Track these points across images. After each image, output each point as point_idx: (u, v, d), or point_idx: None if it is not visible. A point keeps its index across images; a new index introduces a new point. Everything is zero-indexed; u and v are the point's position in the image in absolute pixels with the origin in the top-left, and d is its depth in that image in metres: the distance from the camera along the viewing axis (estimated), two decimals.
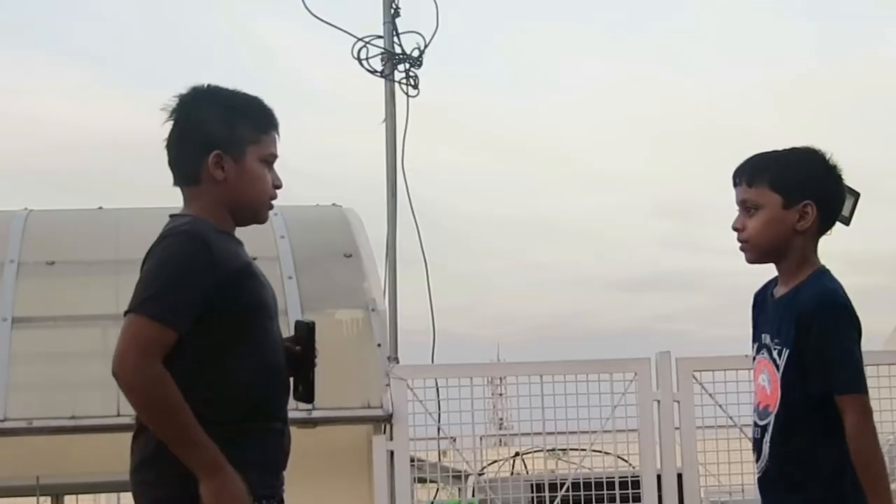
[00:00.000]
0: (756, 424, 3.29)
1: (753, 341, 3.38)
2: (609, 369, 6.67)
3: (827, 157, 3.31)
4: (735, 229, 3.30)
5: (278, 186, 3.11)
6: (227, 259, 2.98)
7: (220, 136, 3.02)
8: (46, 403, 6.46)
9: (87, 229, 7.65)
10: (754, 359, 3.37)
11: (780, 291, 3.32)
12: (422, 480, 7.21)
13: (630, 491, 6.64)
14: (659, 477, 6.64)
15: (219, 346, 2.96)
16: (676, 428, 6.63)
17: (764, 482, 3.27)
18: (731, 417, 6.61)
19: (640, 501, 6.63)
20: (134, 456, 3.06)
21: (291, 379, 3.19)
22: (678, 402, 6.53)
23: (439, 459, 7.27)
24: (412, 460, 6.59)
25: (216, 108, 3.05)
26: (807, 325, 3.16)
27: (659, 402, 6.62)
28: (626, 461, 6.83)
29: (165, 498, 2.97)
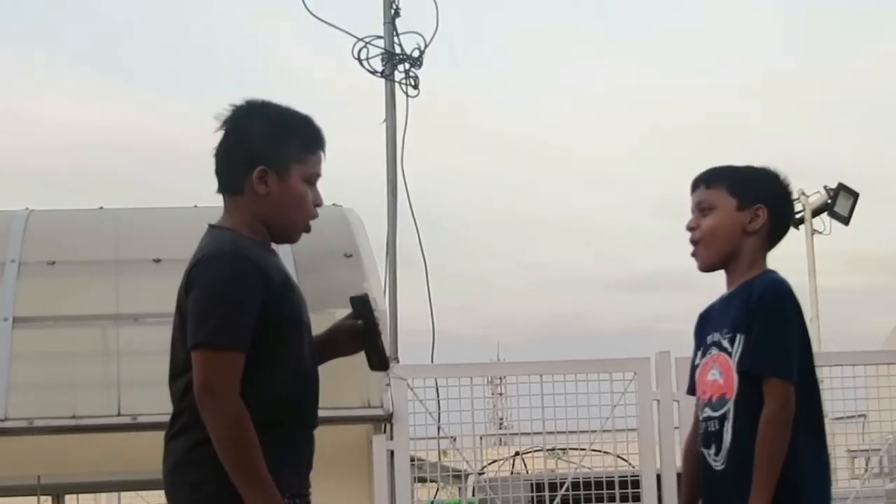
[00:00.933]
0: (710, 418, 3.32)
1: (697, 350, 3.46)
2: (609, 369, 6.68)
3: (782, 177, 3.47)
4: (689, 228, 3.43)
5: (318, 205, 3.15)
6: (271, 275, 3.04)
7: (266, 152, 3.06)
8: (47, 403, 6.47)
9: (87, 229, 7.65)
10: (697, 367, 3.44)
11: (728, 291, 3.42)
12: (422, 480, 7.22)
13: (630, 490, 6.64)
14: (659, 476, 6.64)
15: (260, 355, 3.01)
16: (676, 427, 6.63)
17: (728, 469, 3.26)
18: None
19: (639, 501, 6.63)
20: (171, 457, 3.15)
21: (363, 352, 3.28)
22: (678, 401, 6.52)
23: (439, 459, 7.27)
24: (412, 460, 6.60)
25: (266, 123, 3.09)
26: (754, 310, 3.26)
27: (659, 401, 6.62)
28: (625, 461, 6.83)
29: (208, 497, 3.03)
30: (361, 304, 3.30)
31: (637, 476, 6.67)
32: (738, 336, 3.28)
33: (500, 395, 8.87)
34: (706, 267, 3.44)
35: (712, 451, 3.31)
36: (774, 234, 3.43)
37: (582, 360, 6.75)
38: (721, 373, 3.32)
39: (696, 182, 3.46)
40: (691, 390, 3.50)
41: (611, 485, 6.67)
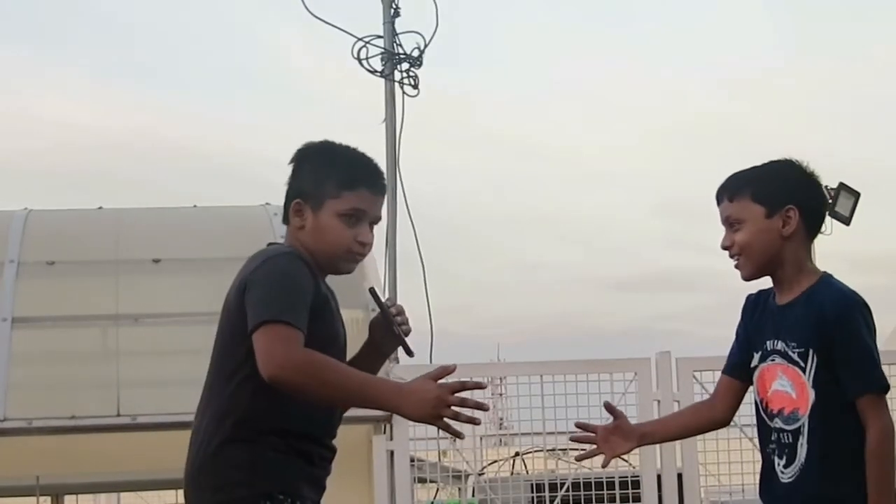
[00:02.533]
0: (783, 430, 3.28)
1: (754, 350, 3.38)
2: (609, 369, 6.68)
3: (804, 165, 3.37)
4: (725, 248, 3.35)
5: (362, 242, 3.23)
6: (318, 286, 3.15)
7: (305, 187, 3.22)
8: (46, 403, 6.46)
9: (87, 229, 7.64)
10: (755, 367, 3.37)
11: (784, 299, 3.34)
12: (422, 480, 7.22)
13: (630, 491, 6.65)
14: (659, 477, 6.64)
15: None
16: None
17: (797, 483, 3.25)
18: None
19: (640, 501, 6.64)
20: (194, 456, 3.13)
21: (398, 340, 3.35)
22: (678, 401, 6.53)
23: (439, 459, 7.27)
24: (412, 460, 6.60)
25: (314, 161, 3.26)
26: (832, 328, 3.20)
27: (659, 401, 6.62)
28: (626, 461, 6.83)
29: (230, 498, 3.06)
30: (374, 295, 3.43)
31: (637, 476, 6.67)
32: (811, 352, 3.22)
33: (500, 395, 8.85)
34: (751, 278, 3.36)
35: (783, 462, 3.29)
36: (812, 229, 3.34)
37: (582, 360, 6.75)
38: (793, 386, 3.27)
39: (719, 195, 3.36)
40: (730, 369, 3.45)
41: (611, 485, 6.67)
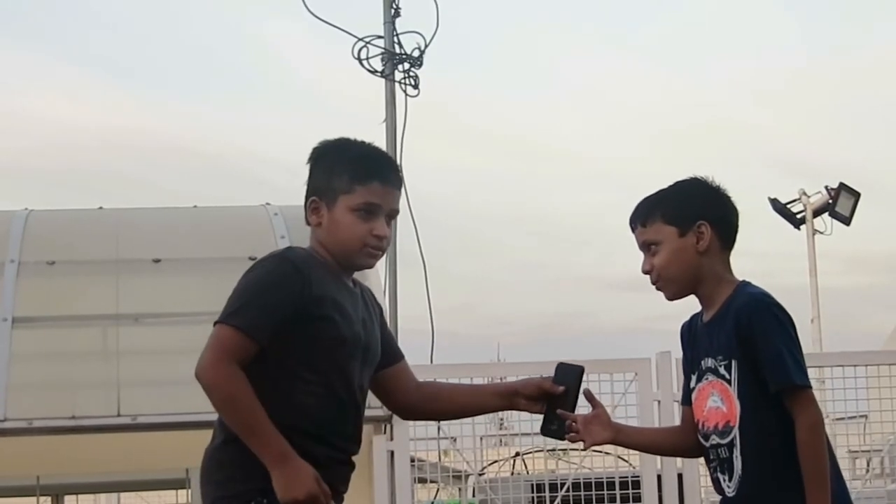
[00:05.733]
0: (719, 445, 3.31)
1: (692, 373, 3.43)
2: (609, 369, 6.67)
3: (709, 180, 3.42)
4: (645, 272, 3.39)
5: (378, 235, 3.24)
6: (314, 287, 3.15)
7: (319, 185, 3.26)
8: (46, 403, 6.45)
9: (87, 229, 7.64)
10: (692, 390, 3.42)
11: (708, 315, 3.39)
12: (422, 480, 7.21)
13: (630, 491, 6.64)
14: (659, 477, 6.64)
15: (288, 360, 3.13)
16: None
17: (739, 496, 3.27)
18: None
19: (640, 501, 6.63)
20: (205, 452, 3.20)
21: (544, 414, 3.47)
22: (679, 402, 6.52)
23: (439, 459, 7.27)
24: (412, 460, 6.59)
25: (327, 159, 3.29)
26: (747, 331, 3.23)
27: (659, 402, 6.61)
28: (626, 461, 6.83)
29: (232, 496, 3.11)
30: (572, 376, 3.49)
31: (637, 477, 6.66)
32: (734, 362, 3.26)
33: None
34: (675, 298, 3.41)
35: (726, 477, 3.32)
36: (726, 241, 3.39)
37: (582, 360, 6.73)
38: (722, 399, 3.30)
39: (632, 222, 3.42)
40: (687, 402, 3.49)
41: (611, 485, 6.66)
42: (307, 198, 3.27)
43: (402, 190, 3.38)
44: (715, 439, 3.33)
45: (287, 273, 3.11)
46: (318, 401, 3.14)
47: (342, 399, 3.19)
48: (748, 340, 3.23)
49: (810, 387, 3.23)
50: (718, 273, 3.36)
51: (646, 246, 3.39)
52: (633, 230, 3.42)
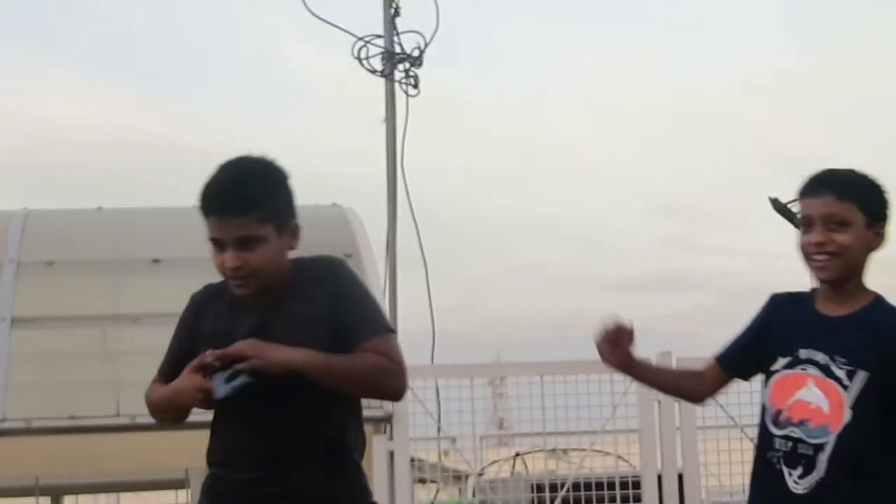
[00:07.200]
0: (802, 441, 3.19)
1: (778, 354, 3.27)
2: (609, 369, 6.66)
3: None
4: (818, 243, 3.21)
5: (229, 268, 3.30)
6: (207, 315, 3.47)
7: None
8: (46, 403, 6.45)
9: (85, 229, 7.63)
10: (775, 371, 3.27)
11: (834, 310, 3.26)
12: (422, 480, 7.21)
13: (631, 491, 6.64)
14: (660, 477, 6.63)
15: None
16: (677, 428, 6.63)
17: (808, 498, 3.17)
18: (732, 418, 6.60)
19: (640, 502, 6.63)
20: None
21: None
22: (679, 402, 6.51)
23: (439, 459, 7.26)
24: (412, 460, 6.59)
25: None
26: (892, 354, 3.12)
27: (660, 402, 6.61)
28: (626, 461, 6.83)
29: None
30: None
31: (638, 477, 6.66)
32: (862, 373, 3.14)
33: (501, 395, 8.84)
34: (834, 281, 3.24)
35: (797, 473, 3.20)
36: (881, 249, 3.29)
37: (582, 360, 6.72)
38: (826, 401, 3.17)
39: (819, 188, 3.24)
40: (727, 361, 3.39)
41: (611, 486, 6.66)
42: None
43: (257, 212, 3.21)
44: (796, 433, 3.19)
45: (187, 307, 3.44)
46: (217, 431, 3.25)
47: (229, 422, 3.22)
48: (888, 359, 3.11)
49: None
50: (865, 276, 3.26)
51: (833, 220, 3.20)
52: (817, 196, 3.23)
